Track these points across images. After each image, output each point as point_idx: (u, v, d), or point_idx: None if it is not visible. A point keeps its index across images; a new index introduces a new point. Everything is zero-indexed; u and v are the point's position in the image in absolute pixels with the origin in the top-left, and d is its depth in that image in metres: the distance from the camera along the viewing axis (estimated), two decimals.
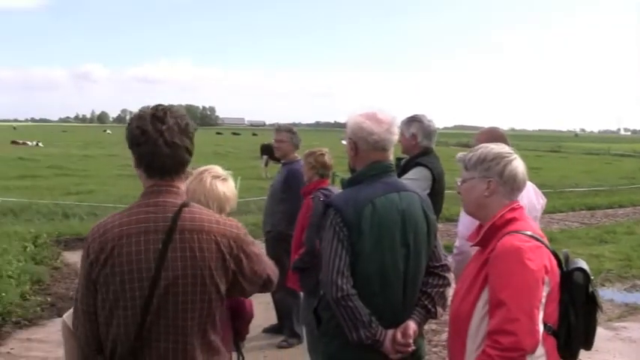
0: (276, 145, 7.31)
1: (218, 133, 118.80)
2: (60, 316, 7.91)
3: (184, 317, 2.55)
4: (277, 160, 8.13)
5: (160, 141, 2.56)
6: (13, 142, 58.80)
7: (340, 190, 5.30)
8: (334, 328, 3.37)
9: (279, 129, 7.37)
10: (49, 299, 8.59)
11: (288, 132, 7.25)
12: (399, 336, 3.26)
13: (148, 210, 2.59)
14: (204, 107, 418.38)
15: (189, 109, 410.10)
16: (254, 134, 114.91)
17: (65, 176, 25.42)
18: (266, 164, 29.02)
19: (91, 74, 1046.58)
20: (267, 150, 27.40)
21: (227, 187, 3.36)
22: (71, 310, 2.94)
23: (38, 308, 8.21)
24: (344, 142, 3.65)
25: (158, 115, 2.61)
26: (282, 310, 7.35)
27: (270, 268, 2.85)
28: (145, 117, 2.61)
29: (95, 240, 2.57)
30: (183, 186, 2.74)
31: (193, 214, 2.61)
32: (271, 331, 7.51)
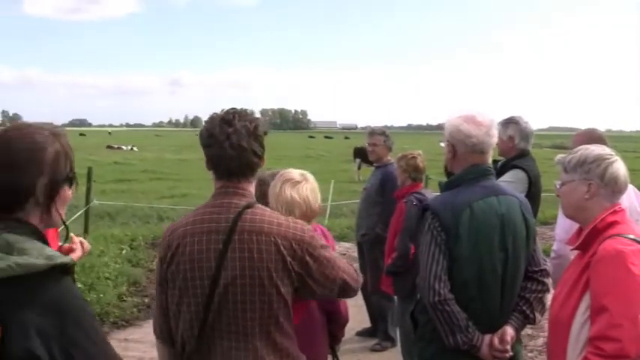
0: (370, 148, 7.36)
1: (310, 137, 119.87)
2: None
3: (244, 317, 2.62)
4: (370, 163, 8.15)
5: (226, 144, 2.65)
6: (109, 147, 60.75)
7: (434, 194, 5.31)
8: (431, 332, 3.36)
9: (372, 132, 7.42)
10: (145, 300, 8.80)
11: (382, 135, 7.31)
12: (496, 341, 3.23)
13: (213, 210, 2.70)
14: (296, 111, 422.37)
15: (282, 112, 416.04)
16: (346, 137, 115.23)
17: (159, 180, 26.11)
18: (359, 167, 29.10)
19: (184, 80, 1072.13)
20: (360, 153, 27.53)
21: (297, 191, 3.35)
22: None
23: (135, 309, 8.47)
24: (442, 144, 3.62)
25: (227, 118, 2.70)
26: (377, 313, 7.37)
27: (347, 272, 2.83)
28: (215, 120, 2.72)
29: (165, 238, 2.76)
30: (250, 187, 2.80)
31: (255, 215, 2.68)
32: (365, 334, 7.53)
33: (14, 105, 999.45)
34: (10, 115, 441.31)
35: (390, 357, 6.90)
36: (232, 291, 2.60)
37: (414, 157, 6.04)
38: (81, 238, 4.28)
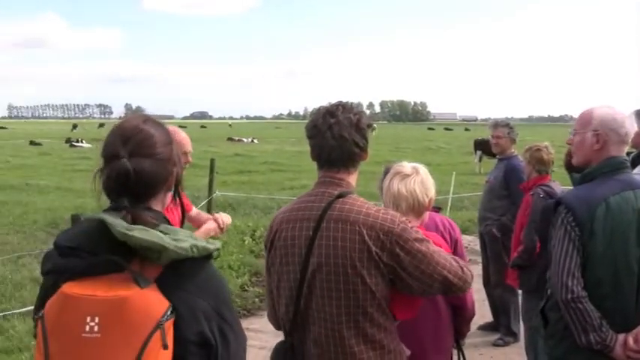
0: (494, 140, 7.36)
1: (430, 129, 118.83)
2: None
3: (330, 304, 2.69)
4: (492, 155, 8.07)
5: (328, 134, 2.74)
6: (229, 139, 62.16)
7: (561, 187, 5.20)
8: (562, 330, 3.30)
9: (496, 124, 7.42)
10: (262, 290, 8.95)
11: (505, 127, 7.31)
12: (630, 341, 3.13)
13: (309, 199, 2.82)
14: (415, 103, 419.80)
15: (402, 104, 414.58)
16: (466, 129, 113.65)
17: (279, 172, 26.55)
18: (480, 160, 28.72)
19: (304, 72, 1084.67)
20: (480, 145, 27.25)
21: (404, 184, 3.32)
22: None
23: (256, 299, 8.73)
24: (572, 135, 3.53)
25: (331, 110, 2.79)
26: (500, 308, 7.30)
27: (448, 268, 2.79)
28: (320, 112, 2.82)
29: (269, 225, 2.94)
30: (349, 178, 2.86)
31: (344, 204, 2.74)
32: (487, 328, 7.48)
33: (136, 98, 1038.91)
34: (133, 108, 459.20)
35: (512, 352, 6.83)
36: (319, 277, 2.70)
37: (539, 150, 5.99)
38: (221, 214, 4.52)
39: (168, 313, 1.72)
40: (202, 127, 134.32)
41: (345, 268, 2.66)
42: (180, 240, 1.81)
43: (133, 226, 1.79)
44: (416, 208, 3.31)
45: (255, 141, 60.21)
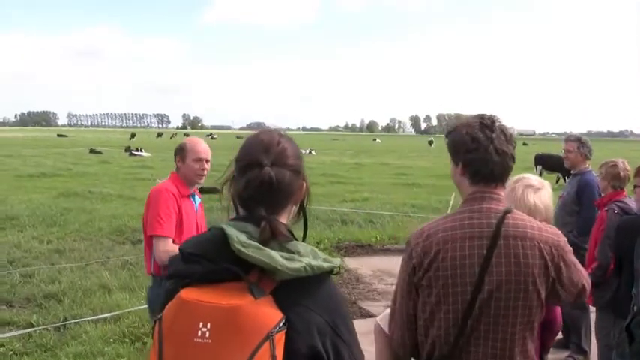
0: (565, 155, 7.41)
1: None
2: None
3: (505, 322, 2.63)
4: (552, 170, 7.99)
5: (491, 148, 2.69)
6: None
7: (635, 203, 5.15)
8: None
9: (567, 139, 7.47)
10: None
11: (576, 142, 7.31)
12: None
13: (472, 216, 2.71)
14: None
15: (459, 117, 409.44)
16: (524, 144, 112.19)
17: (340, 184, 26.54)
18: (540, 174, 28.42)
19: (358, 85, 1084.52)
20: (541, 160, 27.13)
21: (539, 197, 3.37)
22: (385, 313, 3.16)
23: None
24: None
25: (486, 123, 2.74)
26: (570, 325, 7.20)
27: (585, 277, 2.82)
28: (474, 125, 2.76)
29: (419, 244, 2.74)
30: (503, 193, 2.82)
31: (516, 220, 2.69)
32: (557, 345, 7.38)
33: (194, 108, 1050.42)
34: (191, 118, 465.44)
35: None
36: (496, 297, 2.62)
37: (614, 165, 6.01)
38: None
39: (281, 324, 1.74)
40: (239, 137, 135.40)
41: (526, 285, 2.63)
42: (295, 260, 1.83)
43: (249, 242, 1.82)
44: (546, 221, 3.28)
45: (313, 152, 60.37)
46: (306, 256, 1.86)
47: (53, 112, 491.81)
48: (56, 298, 8.70)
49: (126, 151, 51.79)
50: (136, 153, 48.18)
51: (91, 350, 6.72)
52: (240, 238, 1.83)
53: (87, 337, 7.13)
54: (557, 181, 27.68)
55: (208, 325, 1.72)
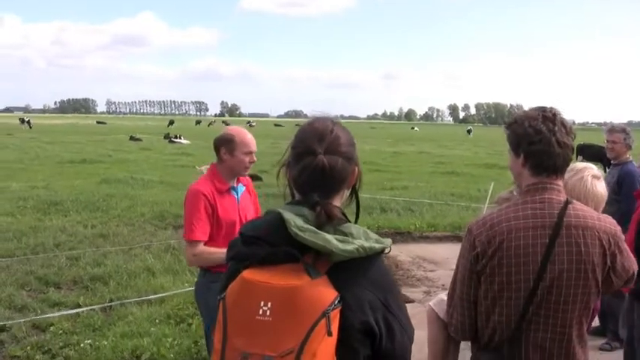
0: (610, 145, 7.39)
1: None
2: None
3: (565, 309, 2.77)
4: (593, 160, 8.02)
5: (553, 140, 2.80)
6: None
7: None
8: None
9: (612, 129, 7.46)
10: None
11: (622, 132, 7.33)
12: None
13: (535, 206, 2.83)
14: (511, 105, 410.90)
15: (497, 107, 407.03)
16: None
17: (378, 172, 26.51)
18: None
19: (398, 73, 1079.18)
20: (582, 151, 27.04)
21: (602, 187, 3.49)
22: (438, 298, 3.29)
23: None
24: None
25: (547, 115, 2.85)
26: (607, 312, 7.23)
27: (635, 263, 2.91)
28: (536, 117, 2.86)
29: (481, 233, 2.85)
30: (562, 183, 2.93)
31: (577, 210, 2.81)
32: (594, 333, 7.41)
33: (232, 96, 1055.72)
34: (229, 105, 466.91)
35: (618, 357, 6.77)
36: (558, 284, 2.75)
37: None
38: None
39: (336, 302, 1.87)
40: (297, 125, 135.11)
41: (586, 273, 2.76)
42: (348, 242, 1.95)
43: (306, 226, 1.96)
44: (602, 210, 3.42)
45: None
46: (359, 238, 1.99)
47: (92, 100, 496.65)
48: (102, 281, 8.96)
49: (165, 138, 52.24)
50: (175, 140, 48.56)
51: (138, 330, 6.92)
52: (296, 222, 1.97)
53: (133, 318, 7.35)
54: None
55: (269, 304, 1.86)
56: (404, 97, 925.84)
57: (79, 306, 7.86)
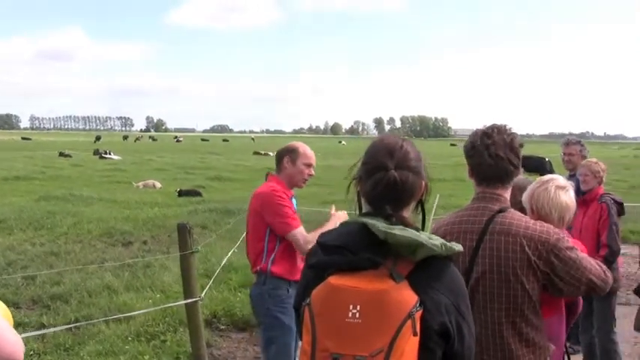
0: (566, 157, 7.64)
1: (452, 145, 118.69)
2: None
3: (492, 307, 3.02)
4: (532, 171, 8.25)
5: (485, 154, 3.08)
6: (256, 153, 62.73)
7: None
8: None
9: (569, 142, 7.73)
10: None
11: (578, 144, 7.65)
12: None
13: (470, 213, 3.15)
14: (436, 118, 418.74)
15: (422, 120, 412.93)
16: None
17: (316, 185, 26.66)
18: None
19: (324, 86, 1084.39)
20: (522, 163, 27.75)
21: (568, 197, 3.67)
22: None
23: None
24: None
25: (487, 131, 3.13)
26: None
27: (593, 273, 3.10)
28: (477, 134, 3.16)
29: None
30: (505, 194, 3.19)
31: (505, 218, 3.06)
32: None
33: (158, 111, 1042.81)
34: (155, 120, 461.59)
35: None
36: (482, 284, 3.02)
37: (597, 163, 6.65)
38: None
39: (417, 305, 1.98)
40: (224, 140, 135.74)
41: (507, 276, 2.99)
42: (433, 238, 2.10)
43: (392, 226, 2.08)
44: (571, 219, 3.67)
45: (270, 154, 60.55)
46: (439, 238, 2.12)
47: (15, 115, 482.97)
48: (62, 300, 8.78)
49: (95, 154, 51.57)
50: (106, 156, 48.03)
51: (112, 349, 6.82)
52: (381, 225, 2.08)
53: (103, 337, 7.23)
54: None
55: (358, 307, 1.98)
56: (329, 111, 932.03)
57: (44, 326, 7.66)
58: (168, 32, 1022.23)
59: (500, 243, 3.01)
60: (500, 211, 3.08)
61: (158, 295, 8.79)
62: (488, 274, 3.01)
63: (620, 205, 6.28)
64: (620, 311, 8.36)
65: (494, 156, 3.06)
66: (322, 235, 2.27)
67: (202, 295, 6.36)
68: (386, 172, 2.19)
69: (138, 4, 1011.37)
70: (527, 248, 2.98)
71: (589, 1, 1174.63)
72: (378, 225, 2.07)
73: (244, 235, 5.23)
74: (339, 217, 4.93)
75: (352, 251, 2.08)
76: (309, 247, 4.63)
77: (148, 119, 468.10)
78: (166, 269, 10.22)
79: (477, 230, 3.06)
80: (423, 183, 2.29)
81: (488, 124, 3.21)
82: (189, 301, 6.01)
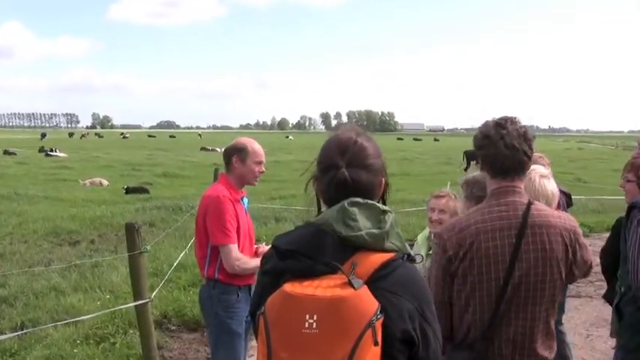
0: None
1: (399, 139, 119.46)
2: None
3: (534, 303, 2.93)
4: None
5: (500, 144, 2.94)
6: (203, 149, 62.07)
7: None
8: (637, 323, 3.62)
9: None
10: None
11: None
12: None
13: (501, 209, 2.98)
14: (382, 113, 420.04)
15: (369, 114, 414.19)
16: (436, 139, 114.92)
17: (263, 182, 26.44)
18: (465, 169, 29.77)
19: (269, 82, 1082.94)
20: (473, 156, 28.26)
21: (552, 185, 3.67)
22: None
23: None
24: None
25: (500, 122, 3.00)
26: None
27: (591, 255, 3.12)
28: (489, 124, 3.02)
29: (452, 237, 2.99)
30: (522, 185, 3.07)
31: (539, 210, 2.97)
32: None
33: (104, 107, 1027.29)
34: (101, 117, 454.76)
35: None
36: (525, 281, 2.91)
37: (541, 157, 6.51)
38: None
39: (378, 313, 1.85)
40: (171, 136, 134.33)
41: (552, 269, 2.93)
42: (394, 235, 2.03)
43: (352, 223, 1.99)
44: (554, 208, 3.62)
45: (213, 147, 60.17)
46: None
47: None
48: (7, 303, 8.47)
49: (40, 151, 50.49)
50: (51, 153, 46.88)
51: (59, 354, 6.56)
52: (338, 227, 1.98)
53: (51, 341, 6.96)
54: None
55: (315, 317, 1.82)
56: (276, 106, 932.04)
57: None
58: (111, 28, 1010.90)
59: (544, 236, 2.93)
60: (530, 203, 3.00)
61: (107, 296, 8.51)
62: (533, 269, 2.92)
63: (568, 197, 6.28)
64: (571, 303, 8.51)
65: (510, 146, 2.95)
66: (277, 238, 2.12)
67: (152, 296, 6.17)
68: (337, 170, 2.07)
69: (79, 0, 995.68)
70: (565, 239, 2.96)
71: None
72: (336, 225, 1.98)
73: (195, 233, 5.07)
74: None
75: (309, 255, 1.94)
76: (237, 265, 4.59)
77: (94, 116, 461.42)
78: (115, 269, 9.91)
79: (515, 225, 2.93)
80: (383, 181, 2.18)
81: (495, 117, 3.10)
82: (139, 302, 5.82)
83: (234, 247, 4.59)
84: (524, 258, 2.90)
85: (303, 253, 1.96)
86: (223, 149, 4.94)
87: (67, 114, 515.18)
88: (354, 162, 2.09)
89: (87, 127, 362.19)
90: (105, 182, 26.68)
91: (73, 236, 13.29)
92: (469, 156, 30.84)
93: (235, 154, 4.79)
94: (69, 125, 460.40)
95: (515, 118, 3.04)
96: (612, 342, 7.45)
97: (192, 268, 9.63)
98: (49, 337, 7.08)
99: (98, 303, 8.17)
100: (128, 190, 22.59)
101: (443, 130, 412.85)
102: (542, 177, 3.69)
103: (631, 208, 3.65)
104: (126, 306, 6.61)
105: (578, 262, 3.01)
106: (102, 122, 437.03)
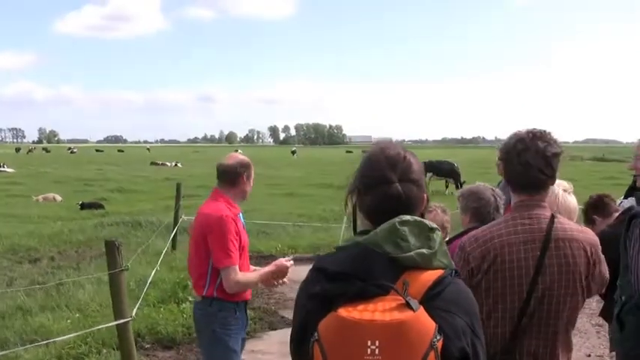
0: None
1: (348, 152, 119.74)
2: (272, 329, 8.36)
3: (556, 317, 2.89)
4: (443, 176, 8.28)
5: (515, 160, 2.94)
6: (153, 163, 61.49)
7: None
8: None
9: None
10: (253, 314, 8.90)
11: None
12: None
13: (524, 222, 2.94)
14: (330, 126, 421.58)
15: (317, 127, 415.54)
16: None
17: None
18: (429, 181, 30.05)
19: (216, 96, 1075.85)
20: (431, 167, 28.53)
21: (573, 199, 3.65)
22: None
23: (251, 322, 8.60)
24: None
25: (523, 136, 2.95)
26: None
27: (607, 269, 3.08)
28: (513, 137, 2.99)
29: (475, 249, 2.95)
30: (546, 199, 3.04)
31: (563, 224, 2.93)
32: None
33: (50, 122, 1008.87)
34: (47, 132, 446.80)
35: None
36: (549, 294, 2.86)
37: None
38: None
39: (437, 333, 1.77)
40: (120, 150, 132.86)
41: (574, 283, 2.89)
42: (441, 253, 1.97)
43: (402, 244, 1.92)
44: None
45: (180, 165, 59.67)
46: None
47: None
48: None
49: None
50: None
51: None
52: (388, 247, 1.92)
53: None
54: (447, 187, 29.11)
55: (377, 343, 1.74)
56: (223, 120, 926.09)
57: None
58: (56, 42, 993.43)
59: (567, 249, 2.89)
60: (554, 216, 2.96)
61: (77, 315, 8.25)
62: (557, 282, 2.88)
63: None
64: None
65: (523, 163, 2.91)
66: (321, 259, 2.03)
67: (133, 314, 5.97)
68: (388, 185, 2.03)
69: (22, 13, 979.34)
70: (588, 253, 2.92)
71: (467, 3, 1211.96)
72: (387, 248, 1.92)
73: (164, 249, 4.91)
74: (281, 266, 4.84)
75: (360, 277, 1.85)
76: (237, 287, 4.55)
77: (41, 130, 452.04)
78: (80, 287, 9.60)
79: (539, 238, 2.89)
80: (425, 196, 2.13)
81: (527, 128, 3.03)
82: (122, 321, 5.63)
83: (235, 269, 4.52)
84: (548, 272, 2.87)
85: (355, 275, 1.87)
86: (224, 165, 4.77)
87: (12, 128, 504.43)
88: (404, 177, 2.05)
89: (33, 142, 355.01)
90: (58, 198, 26.17)
91: (32, 253, 12.97)
92: (427, 167, 31.08)
93: (245, 171, 4.75)
94: (15, 140, 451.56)
95: (544, 131, 2.98)
96: (585, 350, 7.56)
97: (159, 284, 9.46)
98: (20, 359, 6.81)
99: (68, 322, 7.91)
100: (83, 206, 22.18)
101: (404, 140, 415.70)
102: (565, 191, 3.69)
103: (632, 217, 3.63)
104: (107, 325, 6.37)
105: (596, 276, 2.98)
106: (48, 137, 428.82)
